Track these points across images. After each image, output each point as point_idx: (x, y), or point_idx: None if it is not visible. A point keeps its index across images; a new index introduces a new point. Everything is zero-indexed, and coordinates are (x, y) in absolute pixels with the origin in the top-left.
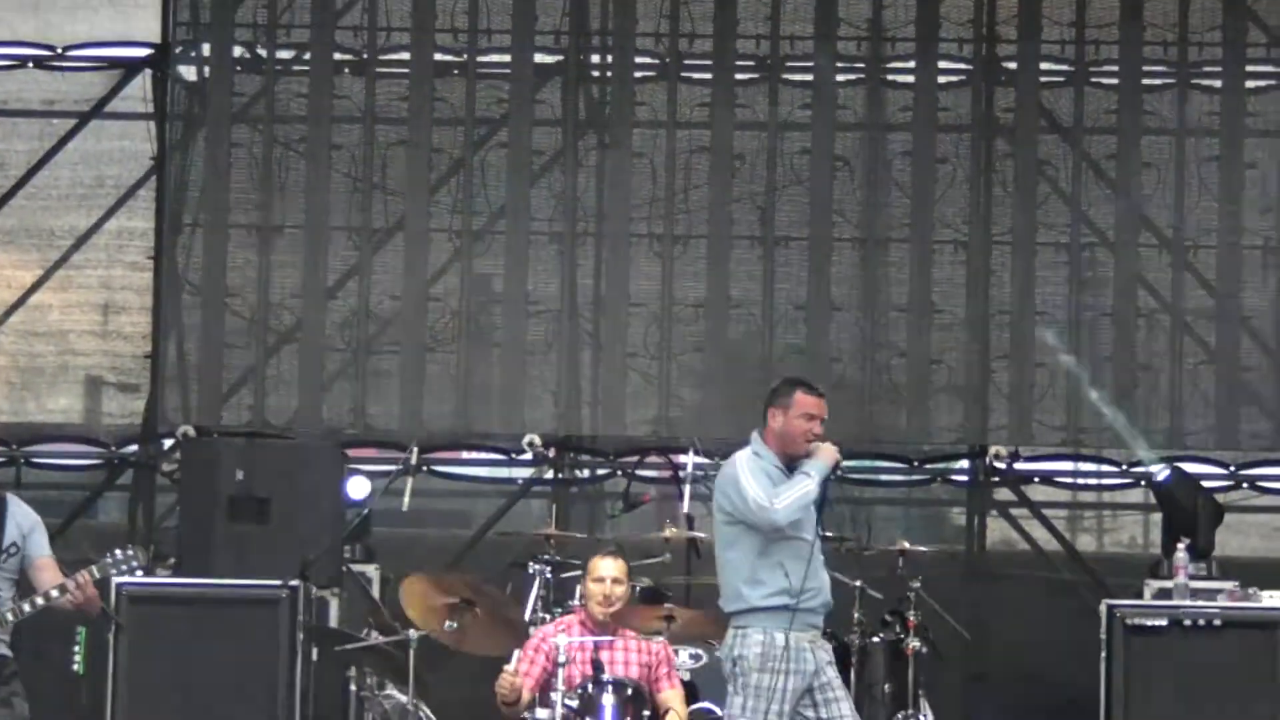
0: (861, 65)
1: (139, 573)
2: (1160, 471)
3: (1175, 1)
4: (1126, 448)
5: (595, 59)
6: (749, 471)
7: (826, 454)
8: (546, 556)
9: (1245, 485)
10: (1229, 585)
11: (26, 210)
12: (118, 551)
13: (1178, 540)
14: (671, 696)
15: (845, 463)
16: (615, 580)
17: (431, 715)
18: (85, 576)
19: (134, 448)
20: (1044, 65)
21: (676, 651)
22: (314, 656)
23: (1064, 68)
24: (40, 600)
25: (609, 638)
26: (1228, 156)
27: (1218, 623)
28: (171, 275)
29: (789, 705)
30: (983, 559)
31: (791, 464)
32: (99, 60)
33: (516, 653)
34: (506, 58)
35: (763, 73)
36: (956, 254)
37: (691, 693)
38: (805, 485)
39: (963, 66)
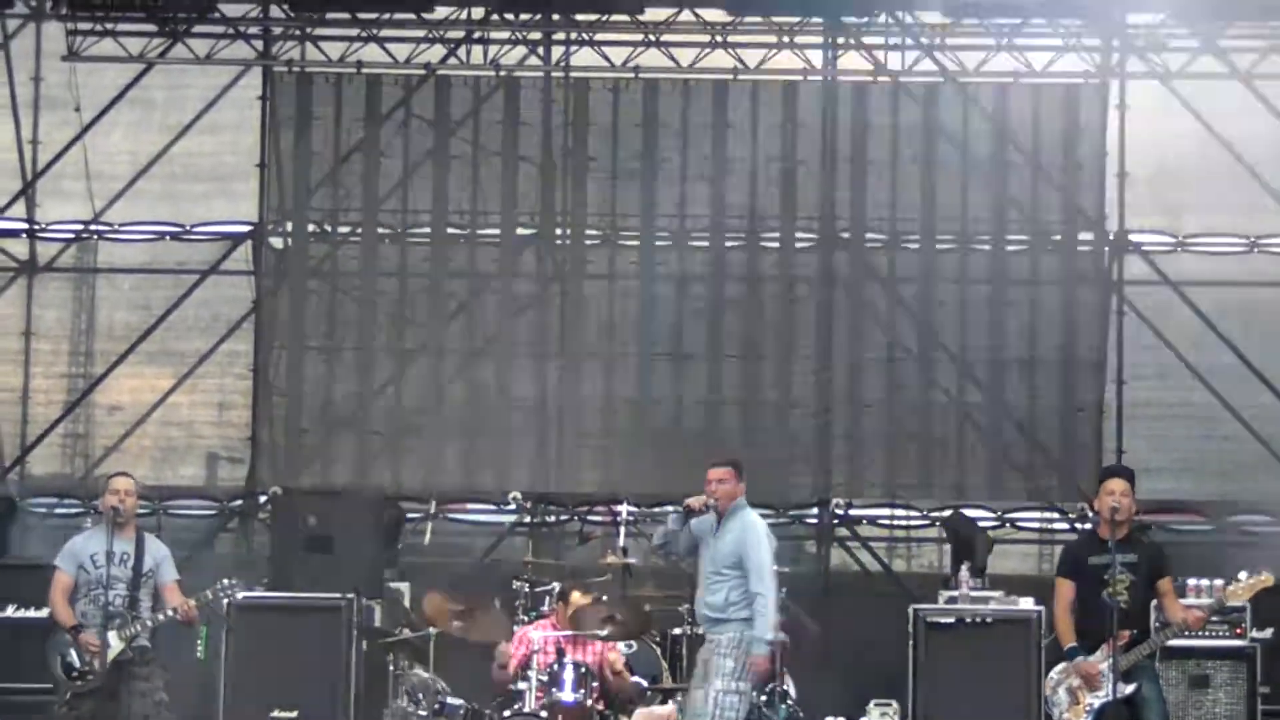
0: (743, 236)
1: (238, 595)
2: None
3: (958, 191)
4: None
5: (559, 232)
6: None
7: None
8: (525, 577)
9: (1008, 525)
10: (997, 594)
11: (165, 338)
12: (223, 581)
13: (962, 563)
14: (615, 658)
15: None
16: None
17: (445, 686)
18: (188, 604)
19: (239, 502)
20: (868, 235)
21: (615, 643)
22: (364, 647)
23: (881, 237)
24: (162, 616)
25: (571, 633)
26: (995, 297)
27: (990, 620)
28: (265, 383)
29: (696, 679)
30: (828, 577)
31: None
32: (214, 234)
33: (502, 646)
34: (497, 231)
35: (674, 241)
36: (808, 366)
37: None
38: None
39: (812, 236)
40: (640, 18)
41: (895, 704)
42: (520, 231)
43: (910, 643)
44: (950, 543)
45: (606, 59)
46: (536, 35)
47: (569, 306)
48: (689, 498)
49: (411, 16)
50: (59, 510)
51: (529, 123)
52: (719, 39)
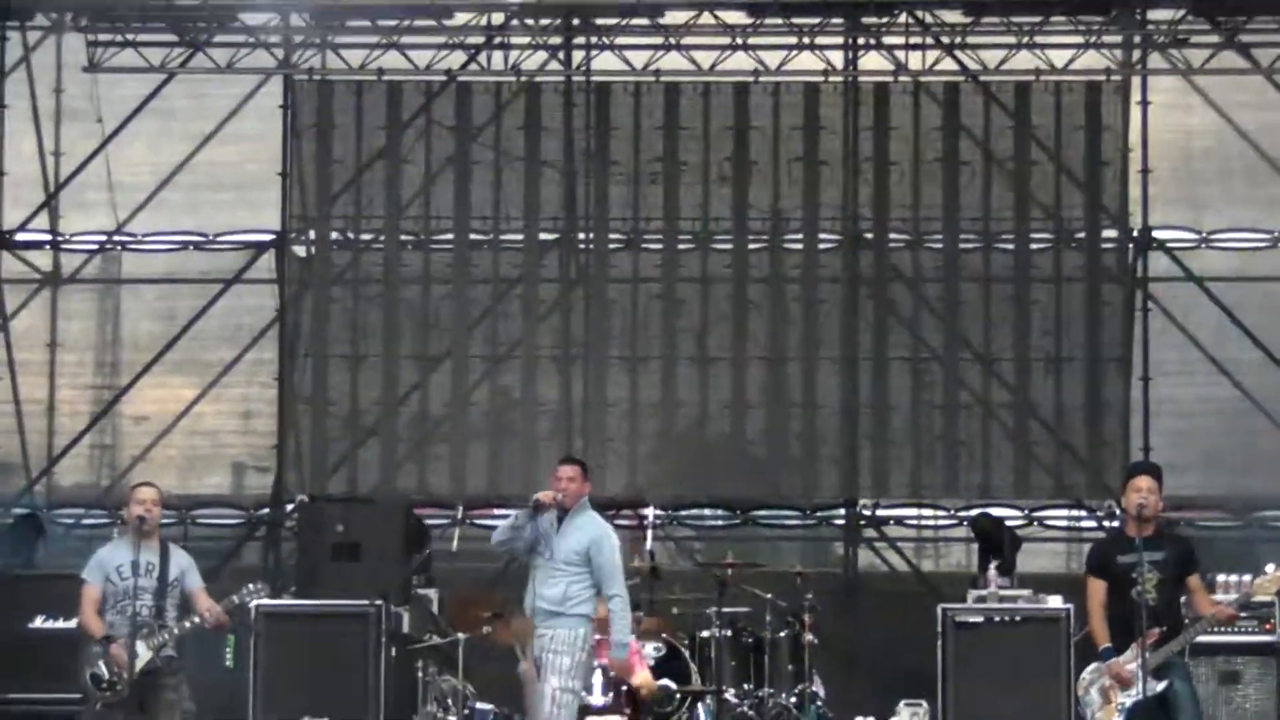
0: (766, 237)
1: (263, 598)
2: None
3: (980, 190)
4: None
5: (582, 236)
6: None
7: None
8: None
9: (1035, 523)
10: (1026, 593)
11: (190, 348)
12: (249, 585)
13: (990, 562)
14: (642, 675)
15: (761, 512)
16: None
17: (474, 691)
18: (216, 609)
19: (266, 510)
20: (891, 235)
21: (643, 645)
22: (393, 654)
23: (905, 237)
24: (188, 623)
25: (599, 636)
26: (1018, 296)
27: (1018, 619)
28: (290, 391)
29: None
30: (855, 577)
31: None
32: (238, 243)
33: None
34: (520, 236)
35: (697, 244)
36: (833, 366)
37: (654, 674)
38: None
39: (835, 236)
40: (660, 21)
41: (925, 704)
42: (543, 236)
43: (939, 642)
44: (978, 542)
45: (627, 62)
46: (557, 40)
47: (593, 310)
48: (538, 494)
49: (432, 23)
50: (86, 521)
51: (550, 127)
52: (739, 41)
